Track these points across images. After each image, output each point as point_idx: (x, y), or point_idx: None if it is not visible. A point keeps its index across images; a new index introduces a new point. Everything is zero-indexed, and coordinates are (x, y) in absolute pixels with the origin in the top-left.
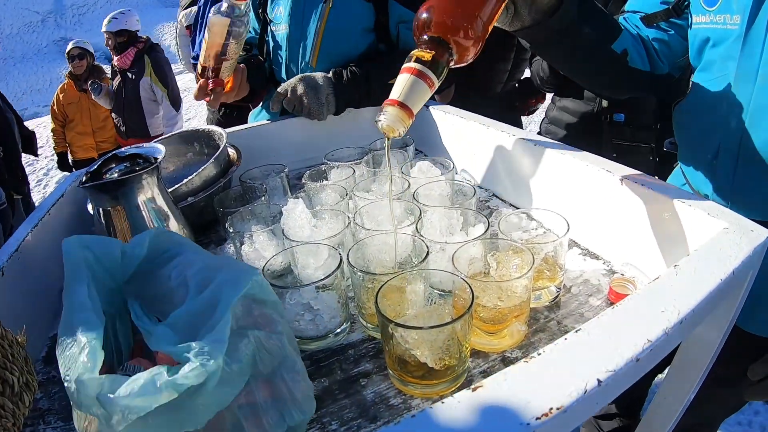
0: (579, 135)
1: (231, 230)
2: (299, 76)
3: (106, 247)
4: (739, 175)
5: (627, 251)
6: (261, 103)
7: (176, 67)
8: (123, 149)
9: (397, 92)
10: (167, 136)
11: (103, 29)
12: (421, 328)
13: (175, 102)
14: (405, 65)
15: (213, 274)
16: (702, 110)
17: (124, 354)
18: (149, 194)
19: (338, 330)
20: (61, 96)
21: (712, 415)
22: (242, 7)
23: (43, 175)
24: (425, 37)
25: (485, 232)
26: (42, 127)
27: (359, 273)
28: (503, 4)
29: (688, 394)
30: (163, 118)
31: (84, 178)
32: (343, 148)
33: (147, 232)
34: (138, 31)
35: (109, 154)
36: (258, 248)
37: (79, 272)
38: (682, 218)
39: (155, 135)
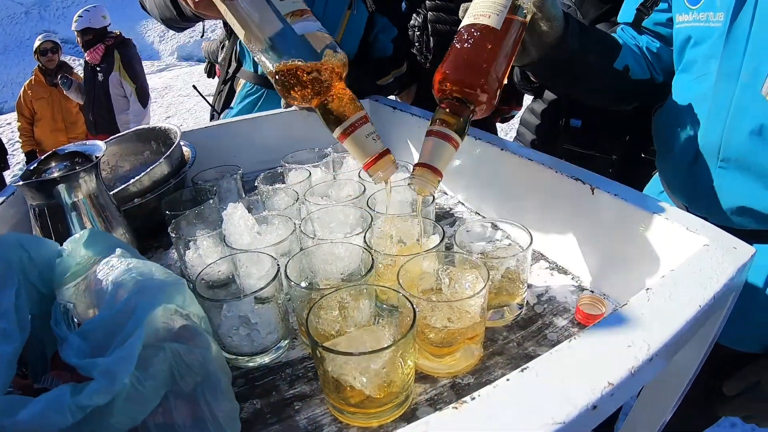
0: (540, 137)
1: (173, 234)
2: None
3: (44, 248)
4: (719, 180)
5: (598, 267)
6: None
7: (158, 64)
8: (63, 147)
9: (426, 156)
10: (124, 133)
11: (72, 28)
12: (351, 354)
13: (143, 98)
14: (431, 127)
15: (134, 281)
16: (681, 113)
17: (47, 366)
18: (87, 193)
19: (276, 346)
20: (29, 92)
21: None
22: None
23: (19, 170)
24: (446, 97)
25: (439, 243)
26: None
27: (295, 285)
28: (514, 56)
29: (663, 416)
30: (131, 113)
31: (21, 176)
32: (303, 150)
33: (83, 232)
34: (107, 26)
35: (49, 152)
36: (202, 254)
37: (10, 275)
38: (659, 232)
39: (123, 131)
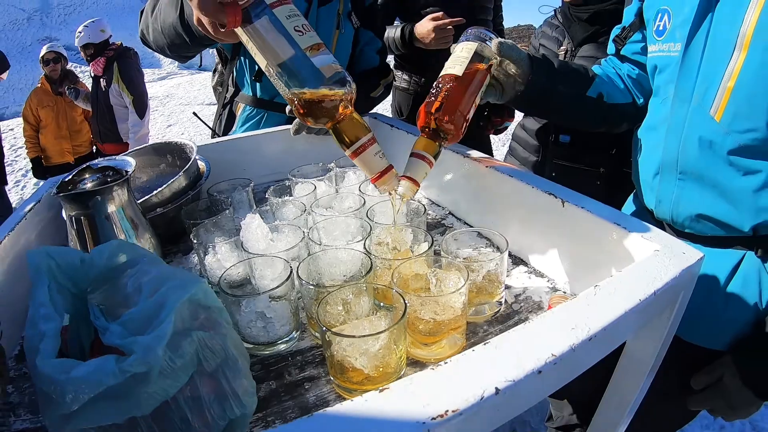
0: (532, 153)
1: (195, 241)
2: None
3: (67, 256)
4: (678, 191)
5: (569, 270)
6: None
7: (159, 72)
8: (96, 161)
9: (408, 171)
10: (142, 147)
11: (75, 43)
12: (353, 336)
13: (140, 108)
14: (414, 150)
15: (163, 282)
16: (648, 131)
17: (86, 354)
18: (119, 205)
19: (288, 337)
20: (35, 99)
21: (663, 426)
22: None
23: (21, 176)
24: (425, 127)
25: (428, 249)
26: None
27: (306, 284)
28: (477, 102)
29: (628, 406)
30: (129, 123)
31: (57, 188)
32: (308, 164)
33: (108, 243)
34: (107, 39)
35: (83, 166)
36: (220, 259)
37: (41, 278)
38: (619, 240)
39: (127, 140)
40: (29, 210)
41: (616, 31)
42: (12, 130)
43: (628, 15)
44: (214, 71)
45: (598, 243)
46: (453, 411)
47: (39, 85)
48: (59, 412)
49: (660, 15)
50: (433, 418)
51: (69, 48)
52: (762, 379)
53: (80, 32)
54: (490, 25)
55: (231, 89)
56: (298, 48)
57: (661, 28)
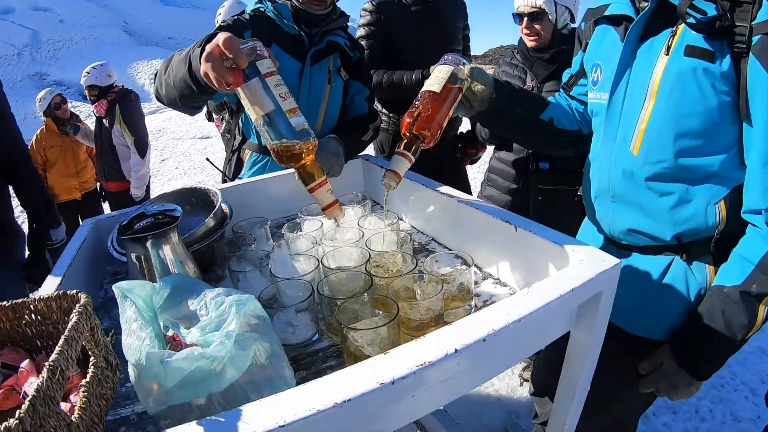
0: (512, 182)
1: (232, 269)
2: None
3: (143, 287)
4: (612, 211)
5: (524, 280)
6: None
7: (149, 106)
8: (149, 208)
9: (391, 165)
10: (169, 191)
11: (80, 81)
12: (360, 329)
13: (141, 149)
14: (397, 149)
15: (226, 299)
16: (589, 163)
17: None
18: (171, 243)
19: (312, 339)
20: (42, 141)
21: (626, 412)
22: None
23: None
24: (407, 133)
25: (414, 269)
26: None
27: (324, 299)
28: (450, 114)
29: (577, 389)
30: (131, 163)
31: (119, 231)
32: (313, 204)
33: (171, 276)
34: (112, 83)
35: (138, 212)
36: (251, 283)
37: (127, 303)
38: (556, 253)
39: (130, 178)
40: (80, 246)
41: (565, 77)
42: None
43: (575, 64)
44: (222, 119)
45: (542, 257)
46: (428, 362)
47: (43, 127)
48: (161, 390)
49: (595, 68)
50: (417, 365)
51: (60, 84)
52: (694, 362)
53: (88, 73)
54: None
55: (238, 138)
56: (281, 110)
57: (595, 79)
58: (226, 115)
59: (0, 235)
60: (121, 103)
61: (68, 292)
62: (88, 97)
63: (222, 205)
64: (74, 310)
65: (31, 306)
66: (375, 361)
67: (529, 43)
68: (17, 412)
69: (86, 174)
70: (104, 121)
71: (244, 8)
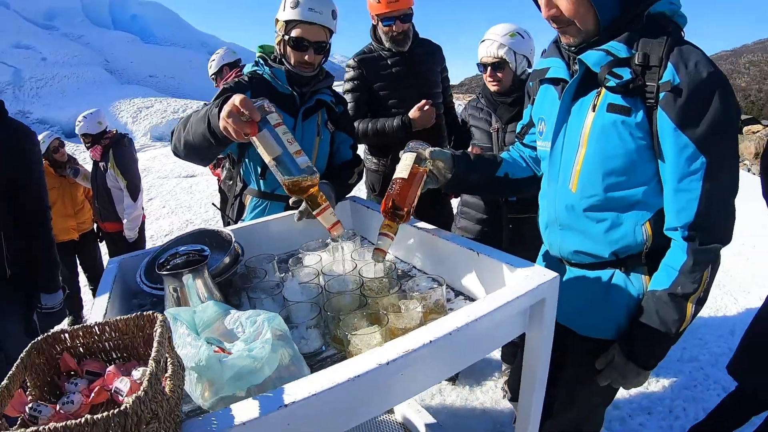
0: (483, 213)
1: (249, 297)
2: None
3: (186, 312)
4: (560, 237)
5: (487, 293)
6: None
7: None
8: (182, 248)
9: (378, 244)
10: (185, 233)
11: (75, 130)
12: (359, 334)
13: (133, 192)
14: (381, 230)
15: (258, 318)
16: (540, 199)
17: None
18: (203, 277)
19: (321, 349)
20: None
21: (591, 405)
22: None
23: None
24: (386, 214)
25: (398, 290)
26: None
27: (328, 316)
28: (419, 192)
29: (535, 383)
30: (124, 206)
31: (158, 267)
32: (311, 241)
33: (207, 303)
34: (104, 129)
35: (172, 251)
36: (266, 308)
37: (178, 323)
38: (510, 272)
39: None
40: (114, 281)
41: (518, 127)
42: None
43: (525, 116)
44: (222, 167)
45: (499, 275)
46: (411, 349)
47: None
48: (217, 385)
49: (540, 121)
50: (404, 351)
51: (43, 122)
52: (639, 355)
53: (80, 122)
54: (439, 98)
55: (240, 185)
56: (288, 152)
57: (540, 130)
58: (227, 164)
59: (17, 284)
60: (114, 148)
61: (144, 313)
62: (83, 143)
63: (235, 244)
64: (157, 323)
65: (113, 325)
66: (374, 351)
67: (492, 88)
68: (141, 386)
69: (84, 215)
70: (100, 164)
71: (238, 56)
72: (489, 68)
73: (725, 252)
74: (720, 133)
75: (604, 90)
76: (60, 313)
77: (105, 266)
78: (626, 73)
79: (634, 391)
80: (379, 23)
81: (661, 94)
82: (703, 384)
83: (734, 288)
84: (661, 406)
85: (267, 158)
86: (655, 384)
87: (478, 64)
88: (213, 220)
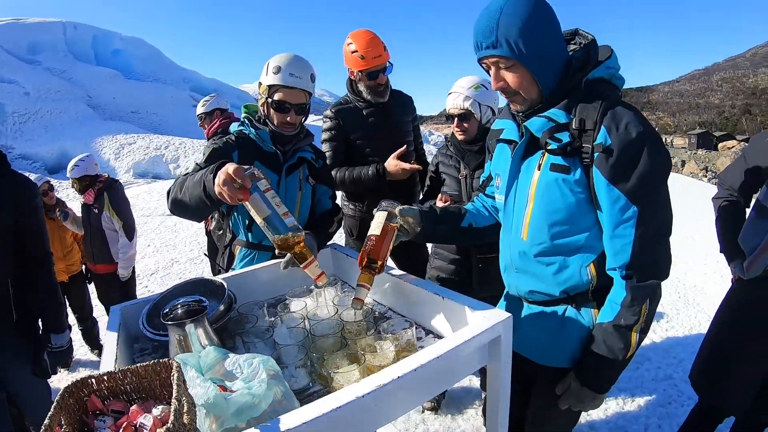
0: (455, 254)
1: (243, 341)
2: None
3: (192, 357)
4: (517, 279)
5: (452, 331)
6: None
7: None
8: (183, 300)
9: (356, 294)
10: (181, 283)
11: (68, 175)
12: (341, 372)
13: (129, 233)
14: (358, 282)
15: (254, 360)
16: (499, 244)
17: None
18: (203, 325)
19: (308, 386)
20: None
21: (558, 426)
22: None
23: None
24: (362, 266)
25: (374, 331)
26: None
27: (314, 356)
28: (392, 246)
29: (498, 409)
30: (119, 245)
31: (163, 318)
32: (296, 287)
33: (208, 348)
34: (98, 173)
35: (175, 302)
36: (259, 350)
37: (187, 368)
38: (470, 313)
39: (117, 260)
40: (119, 327)
41: (481, 180)
42: None
43: (486, 170)
44: (211, 218)
45: (461, 316)
46: (382, 384)
47: None
48: (222, 419)
49: (496, 176)
50: (377, 386)
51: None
52: (592, 380)
53: (76, 165)
54: (411, 145)
55: (229, 235)
56: (277, 214)
57: (496, 185)
58: (216, 215)
59: (22, 327)
60: (108, 191)
61: (161, 360)
62: (75, 188)
63: (229, 292)
64: (174, 369)
65: (134, 371)
66: (353, 386)
67: (460, 137)
68: (169, 420)
69: (73, 257)
70: (93, 208)
71: (227, 103)
72: (456, 119)
73: (700, 270)
74: (649, 184)
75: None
76: (68, 351)
77: (92, 306)
78: (565, 137)
79: (610, 410)
80: (362, 78)
81: (596, 154)
82: (677, 400)
83: (708, 306)
84: (636, 425)
85: (258, 219)
86: (630, 403)
87: (446, 115)
88: (198, 259)
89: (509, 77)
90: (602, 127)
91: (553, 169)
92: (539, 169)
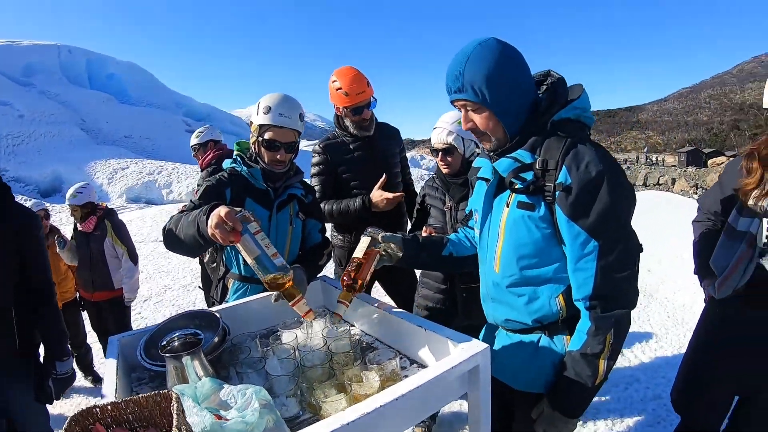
0: (441, 282)
1: (237, 372)
2: None
3: (189, 388)
4: (493, 308)
5: (435, 361)
6: (233, 282)
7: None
8: (181, 332)
9: (337, 309)
10: (177, 315)
11: (68, 203)
12: (329, 401)
13: (134, 257)
14: (339, 298)
15: (247, 390)
16: (480, 275)
17: None
18: (199, 357)
19: (298, 414)
20: None
21: None
22: None
23: None
24: (344, 285)
25: (360, 362)
26: None
27: (304, 386)
28: (373, 269)
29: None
30: (123, 271)
31: (161, 349)
32: (287, 319)
33: (204, 379)
34: (95, 201)
35: (173, 335)
36: (252, 380)
37: (184, 398)
38: (452, 344)
39: (118, 287)
40: (118, 357)
41: (465, 213)
42: None
43: (469, 204)
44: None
45: (442, 347)
46: (365, 413)
47: None
48: None
49: (473, 211)
50: (360, 414)
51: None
52: (563, 405)
53: (79, 192)
54: (399, 177)
55: (222, 269)
56: (267, 255)
57: (474, 219)
58: (210, 249)
59: (26, 356)
60: (110, 219)
61: (161, 392)
62: (76, 216)
63: (223, 324)
64: (173, 400)
65: (136, 401)
66: (339, 414)
67: (444, 170)
68: None
69: (67, 284)
70: (93, 236)
71: (220, 135)
72: (440, 153)
73: (689, 290)
74: (610, 219)
75: None
76: (71, 378)
77: (86, 333)
78: (530, 176)
79: (600, 431)
80: (348, 113)
81: (557, 193)
82: (666, 419)
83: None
84: None
85: (248, 259)
86: (620, 423)
87: (431, 149)
88: (191, 286)
89: (477, 119)
90: (563, 167)
91: (520, 206)
92: (508, 206)
